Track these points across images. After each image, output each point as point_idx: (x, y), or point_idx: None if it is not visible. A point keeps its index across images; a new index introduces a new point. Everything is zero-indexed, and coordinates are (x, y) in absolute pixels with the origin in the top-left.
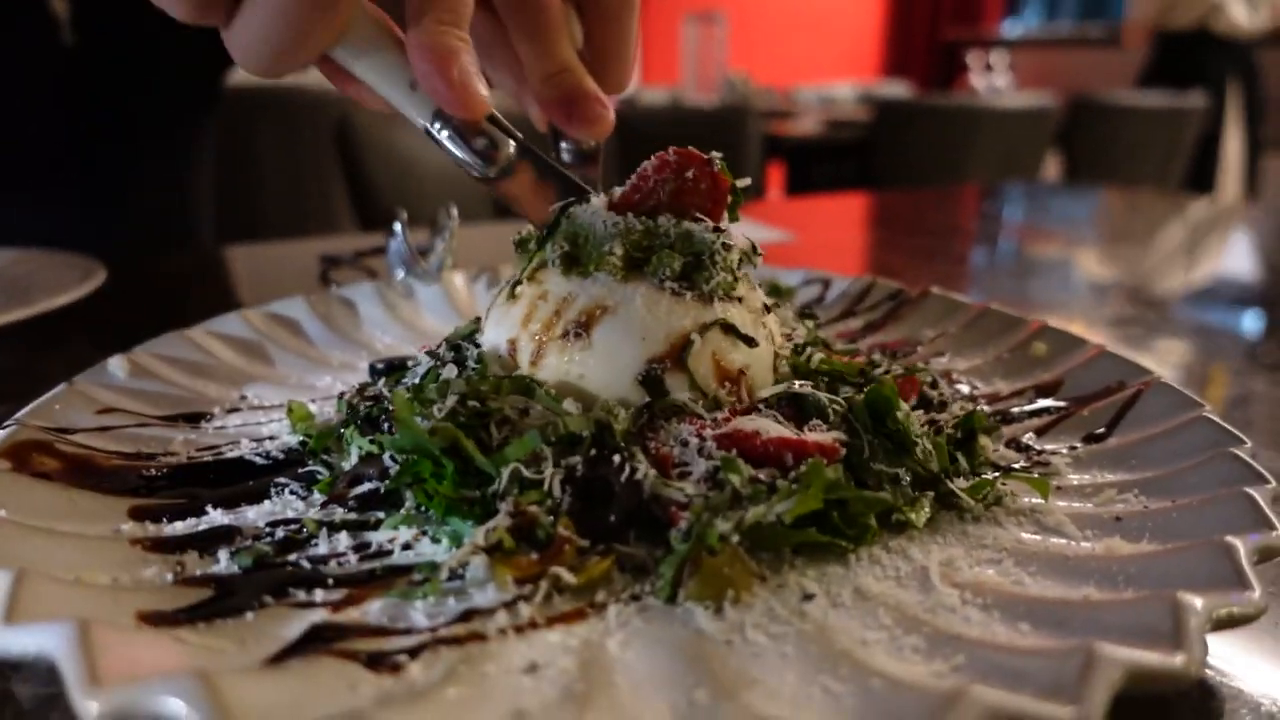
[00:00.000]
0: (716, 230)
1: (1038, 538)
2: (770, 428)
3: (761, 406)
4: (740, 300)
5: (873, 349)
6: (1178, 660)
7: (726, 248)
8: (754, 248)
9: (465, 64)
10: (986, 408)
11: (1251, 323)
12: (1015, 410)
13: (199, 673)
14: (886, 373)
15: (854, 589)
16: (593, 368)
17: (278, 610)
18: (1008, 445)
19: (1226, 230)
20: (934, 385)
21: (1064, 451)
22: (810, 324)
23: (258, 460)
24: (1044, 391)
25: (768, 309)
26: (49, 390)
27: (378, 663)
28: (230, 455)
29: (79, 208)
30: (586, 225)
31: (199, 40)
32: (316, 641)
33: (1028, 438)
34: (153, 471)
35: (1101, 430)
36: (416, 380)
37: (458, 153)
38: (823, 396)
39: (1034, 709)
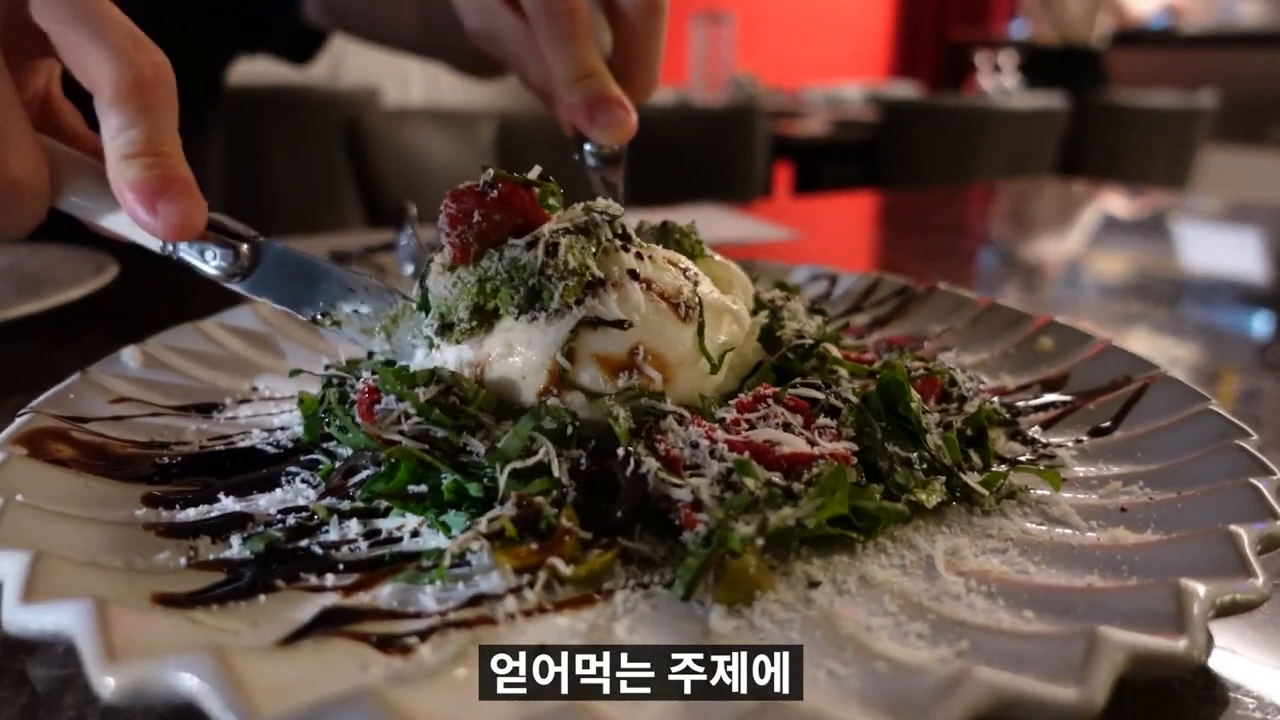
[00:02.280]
0: (532, 244)
1: (1043, 528)
2: (786, 439)
3: (770, 400)
4: (602, 283)
5: (880, 344)
6: (1180, 645)
7: (553, 250)
8: (609, 211)
9: (167, 191)
10: (996, 400)
11: (1260, 324)
12: (1021, 404)
13: (214, 649)
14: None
15: (859, 577)
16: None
17: (289, 594)
18: (1013, 438)
19: (1231, 227)
20: (953, 383)
21: (1069, 445)
22: (820, 319)
23: (269, 449)
24: (1050, 386)
25: (639, 255)
26: (63, 380)
27: (388, 645)
28: (242, 444)
29: None
30: (440, 294)
31: (201, 32)
32: (328, 624)
33: (1033, 431)
34: (166, 460)
35: (1107, 424)
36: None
37: (200, 266)
38: (831, 395)
39: (1038, 690)
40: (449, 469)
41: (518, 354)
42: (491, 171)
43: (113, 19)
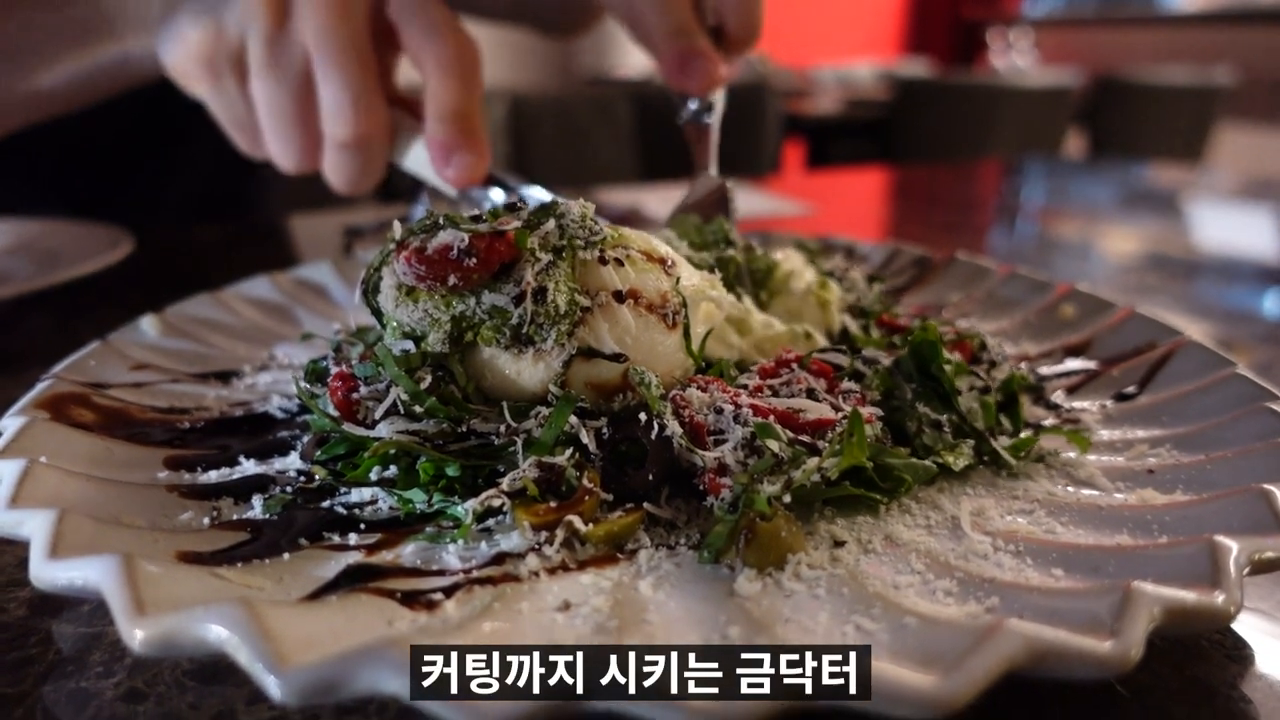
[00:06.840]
0: (519, 299)
1: (1069, 489)
2: (810, 406)
3: (795, 366)
4: (590, 305)
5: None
6: (1218, 599)
7: (540, 295)
8: (591, 218)
9: (460, 148)
10: (1023, 366)
11: (1275, 299)
12: (1044, 370)
13: (243, 601)
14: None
15: (884, 536)
16: None
17: (313, 552)
18: (1037, 403)
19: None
20: (984, 347)
21: (1094, 410)
22: (877, 288)
23: (289, 415)
24: (1073, 352)
25: (617, 261)
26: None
27: (413, 600)
28: (261, 410)
29: (123, 179)
30: (404, 320)
31: None
32: (352, 581)
33: (1057, 396)
34: (187, 425)
35: (1132, 388)
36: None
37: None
38: (856, 360)
39: (1072, 643)
40: (433, 454)
41: (511, 382)
42: (466, 237)
43: (444, 14)
